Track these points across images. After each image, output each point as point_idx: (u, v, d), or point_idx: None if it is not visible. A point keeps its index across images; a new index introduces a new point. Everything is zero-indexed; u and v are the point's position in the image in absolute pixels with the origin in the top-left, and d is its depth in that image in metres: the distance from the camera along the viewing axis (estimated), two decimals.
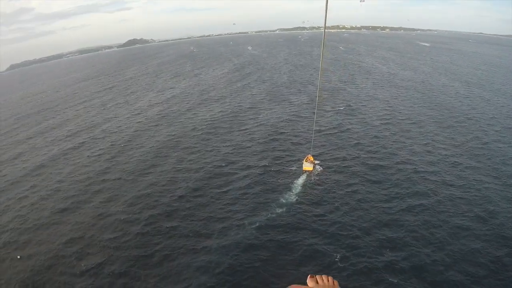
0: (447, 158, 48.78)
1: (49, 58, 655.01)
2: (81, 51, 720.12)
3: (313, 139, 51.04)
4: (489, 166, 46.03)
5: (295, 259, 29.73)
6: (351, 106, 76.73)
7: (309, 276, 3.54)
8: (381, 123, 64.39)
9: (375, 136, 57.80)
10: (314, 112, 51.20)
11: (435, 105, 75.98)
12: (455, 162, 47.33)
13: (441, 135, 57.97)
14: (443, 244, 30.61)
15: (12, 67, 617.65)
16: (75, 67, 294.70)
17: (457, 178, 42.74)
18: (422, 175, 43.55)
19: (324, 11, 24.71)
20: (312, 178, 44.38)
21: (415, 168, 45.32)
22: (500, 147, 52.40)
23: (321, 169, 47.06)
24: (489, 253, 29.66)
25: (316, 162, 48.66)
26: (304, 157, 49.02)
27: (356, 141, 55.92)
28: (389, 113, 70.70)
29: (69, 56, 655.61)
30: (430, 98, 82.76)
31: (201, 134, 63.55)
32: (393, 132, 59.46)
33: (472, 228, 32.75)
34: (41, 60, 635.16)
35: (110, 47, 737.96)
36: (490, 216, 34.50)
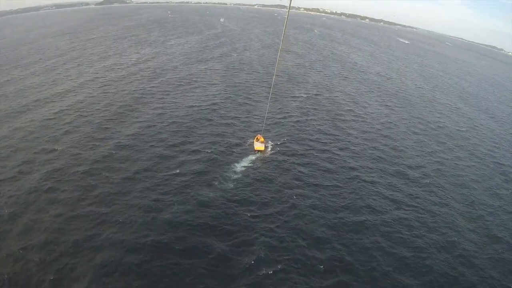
0: (410, 168, 46.50)
1: (25, 10, 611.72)
2: (58, 6, 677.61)
3: (265, 121, 49.61)
4: (454, 181, 44.90)
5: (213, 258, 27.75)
6: (315, 95, 74.14)
7: None
8: (343, 119, 61.34)
9: (333, 133, 54.51)
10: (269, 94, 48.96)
11: (403, 108, 73.74)
12: (419, 173, 45.33)
13: (405, 141, 55.41)
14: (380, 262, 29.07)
15: None
16: (47, 21, 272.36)
17: (414, 196, 39.84)
18: (376, 186, 40.56)
19: None
20: (260, 162, 42.85)
21: (372, 182, 41.60)
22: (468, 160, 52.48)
23: (272, 151, 45.71)
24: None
25: (269, 144, 47.24)
26: (253, 137, 47.57)
27: (308, 134, 52.96)
28: (353, 109, 67.93)
29: (45, 9, 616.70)
30: (400, 100, 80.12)
31: (147, 111, 58.96)
32: (352, 133, 55.67)
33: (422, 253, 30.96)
34: (17, 12, 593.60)
35: (87, 3, 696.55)
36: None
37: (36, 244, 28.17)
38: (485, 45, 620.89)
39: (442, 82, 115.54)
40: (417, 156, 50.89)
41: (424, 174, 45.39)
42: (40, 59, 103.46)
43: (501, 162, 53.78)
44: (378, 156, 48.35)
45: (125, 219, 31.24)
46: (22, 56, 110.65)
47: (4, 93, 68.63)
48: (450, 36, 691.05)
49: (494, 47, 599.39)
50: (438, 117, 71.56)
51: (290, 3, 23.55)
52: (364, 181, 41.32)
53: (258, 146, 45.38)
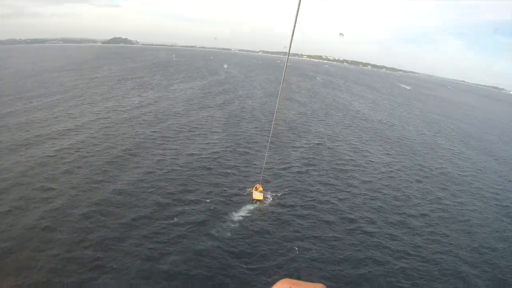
0: (412, 217, 46.72)
1: (33, 41, 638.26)
2: (65, 40, 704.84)
3: (265, 171, 50.08)
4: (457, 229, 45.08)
5: None
6: (316, 144, 75.62)
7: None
8: (344, 169, 61.97)
9: (333, 183, 54.94)
10: (267, 143, 50.05)
11: (405, 156, 74.79)
12: (421, 221, 45.57)
13: (407, 190, 55.83)
14: None
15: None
16: (53, 55, 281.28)
17: (418, 247, 39.51)
18: (377, 236, 40.45)
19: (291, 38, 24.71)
20: (259, 213, 43.08)
21: (373, 232, 41.44)
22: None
23: (271, 202, 46.11)
24: None
25: (268, 194, 47.66)
26: (252, 186, 47.91)
27: (308, 185, 53.40)
28: (354, 158, 68.94)
29: (52, 43, 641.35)
30: (402, 147, 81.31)
31: (147, 156, 60.21)
32: (353, 184, 55.84)
33: None
34: (25, 42, 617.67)
35: (94, 41, 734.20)
36: None
37: (30, 283, 27.55)
38: (487, 86, 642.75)
39: (444, 127, 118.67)
40: (419, 204, 51.29)
41: (426, 223, 45.55)
42: (44, 93, 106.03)
43: (504, 204, 54.58)
44: (379, 206, 48.74)
45: (121, 265, 30.78)
46: (26, 89, 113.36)
47: (6, 125, 69.67)
48: (452, 79, 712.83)
49: (495, 87, 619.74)
50: (440, 163, 72.82)
51: (289, 50, 25.26)
52: (365, 232, 41.49)
53: (257, 195, 45.84)
